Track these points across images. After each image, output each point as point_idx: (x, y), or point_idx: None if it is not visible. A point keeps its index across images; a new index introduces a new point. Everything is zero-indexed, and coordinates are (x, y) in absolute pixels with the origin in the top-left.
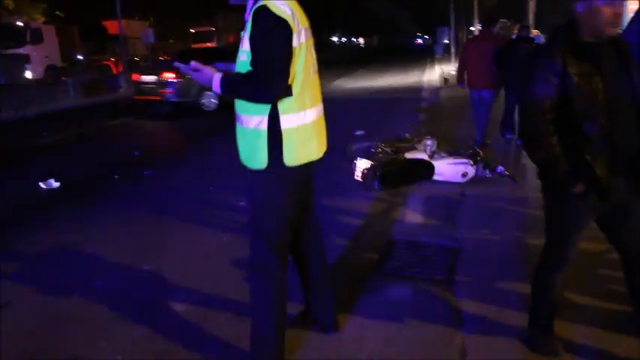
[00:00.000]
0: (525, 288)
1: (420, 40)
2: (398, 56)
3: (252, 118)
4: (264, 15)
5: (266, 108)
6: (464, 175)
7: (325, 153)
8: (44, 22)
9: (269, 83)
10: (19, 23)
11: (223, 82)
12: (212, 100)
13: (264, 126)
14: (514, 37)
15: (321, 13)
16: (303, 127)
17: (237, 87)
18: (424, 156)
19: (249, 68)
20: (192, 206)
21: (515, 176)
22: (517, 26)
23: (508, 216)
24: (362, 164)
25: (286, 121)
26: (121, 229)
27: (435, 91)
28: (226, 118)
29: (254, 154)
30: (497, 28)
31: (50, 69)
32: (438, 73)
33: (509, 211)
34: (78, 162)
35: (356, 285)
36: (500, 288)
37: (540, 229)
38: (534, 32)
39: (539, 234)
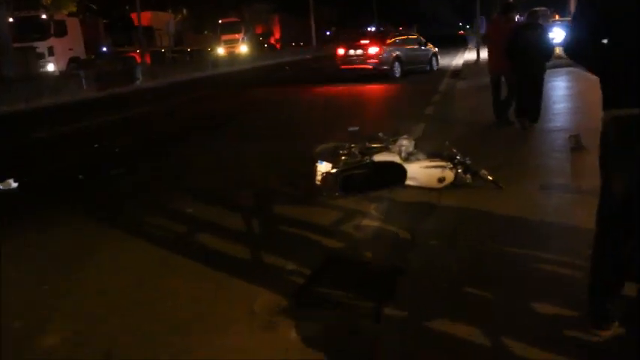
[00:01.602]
0: (461, 330)
1: (462, 31)
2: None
3: None
4: None
5: None
6: (440, 180)
7: None
8: (69, 15)
9: None
10: (43, 16)
11: None
12: (399, 69)
13: None
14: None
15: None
16: None
17: None
18: (396, 158)
19: None
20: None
21: (499, 181)
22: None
23: (481, 230)
24: (323, 167)
25: None
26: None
27: (453, 82)
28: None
29: None
30: (514, 15)
31: (73, 61)
32: (461, 62)
33: (485, 223)
34: (60, 158)
35: (259, 321)
36: (431, 328)
37: (519, 249)
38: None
39: (515, 254)
